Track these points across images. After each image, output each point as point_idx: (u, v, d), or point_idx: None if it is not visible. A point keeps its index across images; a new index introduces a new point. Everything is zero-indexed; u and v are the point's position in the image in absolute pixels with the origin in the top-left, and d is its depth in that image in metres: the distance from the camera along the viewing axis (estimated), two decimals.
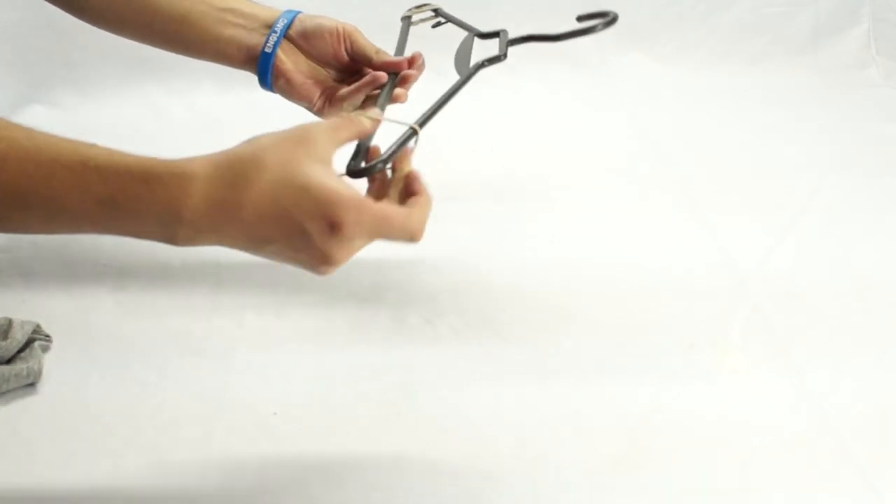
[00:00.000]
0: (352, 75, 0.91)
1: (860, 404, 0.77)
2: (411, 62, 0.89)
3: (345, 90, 0.89)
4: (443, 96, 0.73)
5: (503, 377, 0.80)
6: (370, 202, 0.61)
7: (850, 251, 1.02)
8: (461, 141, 1.27)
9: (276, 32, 0.89)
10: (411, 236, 0.63)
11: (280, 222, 0.59)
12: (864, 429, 0.74)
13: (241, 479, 0.68)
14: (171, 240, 0.61)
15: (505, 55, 0.83)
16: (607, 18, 0.81)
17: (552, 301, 0.91)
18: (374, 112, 0.69)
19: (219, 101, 1.30)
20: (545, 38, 0.84)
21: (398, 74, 0.87)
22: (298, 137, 0.61)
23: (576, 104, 1.50)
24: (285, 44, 0.89)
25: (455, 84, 0.77)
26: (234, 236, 0.61)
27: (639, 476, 0.69)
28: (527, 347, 0.84)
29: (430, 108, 0.71)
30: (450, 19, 0.97)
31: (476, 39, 0.89)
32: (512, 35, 0.87)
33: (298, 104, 0.91)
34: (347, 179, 0.63)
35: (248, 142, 0.62)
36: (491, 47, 0.86)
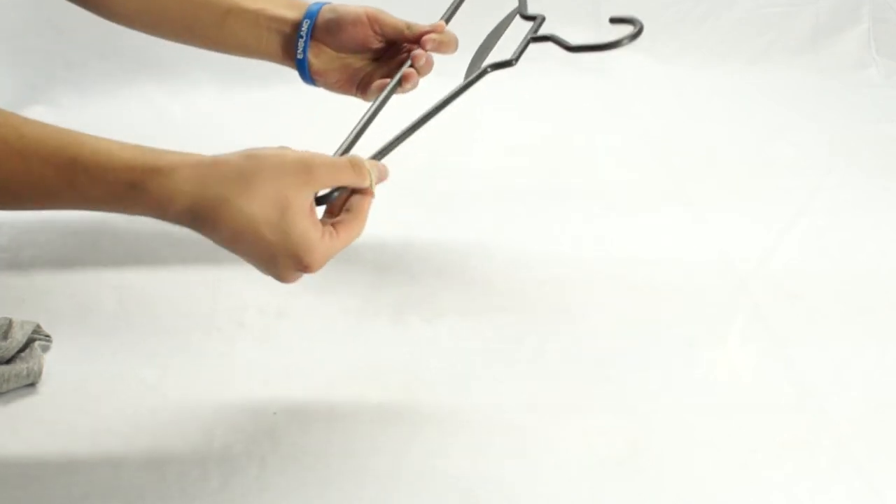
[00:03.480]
0: (387, 54, 0.91)
1: (860, 404, 0.77)
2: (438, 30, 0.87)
3: (378, 82, 0.88)
4: (440, 102, 0.75)
5: (503, 377, 0.80)
6: (332, 243, 0.65)
7: (850, 251, 1.02)
8: (461, 140, 1.27)
9: (302, 37, 0.88)
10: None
11: (255, 247, 0.64)
12: (865, 429, 0.74)
13: (242, 479, 0.68)
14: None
15: (517, 60, 0.82)
16: (635, 26, 0.81)
17: (552, 301, 0.91)
18: (379, 168, 0.69)
19: (219, 101, 1.30)
20: (565, 46, 0.83)
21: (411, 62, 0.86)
22: (298, 177, 0.64)
23: (576, 104, 1.50)
24: (313, 44, 0.88)
25: (453, 91, 0.77)
26: (209, 238, 0.65)
27: (639, 476, 0.69)
28: (527, 347, 0.84)
29: (409, 126, 0.73)
30: None
31: (518, 19, 0.88)
32: (545, 31, 0.85)
33: (343, 94, 0.91)
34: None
35: (248, 156, 0.64)
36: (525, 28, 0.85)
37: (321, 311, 0.88)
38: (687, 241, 1.04)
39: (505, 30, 0.87)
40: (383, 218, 1.04)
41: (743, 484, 0.69)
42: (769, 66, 1.61)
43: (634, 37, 0.80)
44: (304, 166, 0.64)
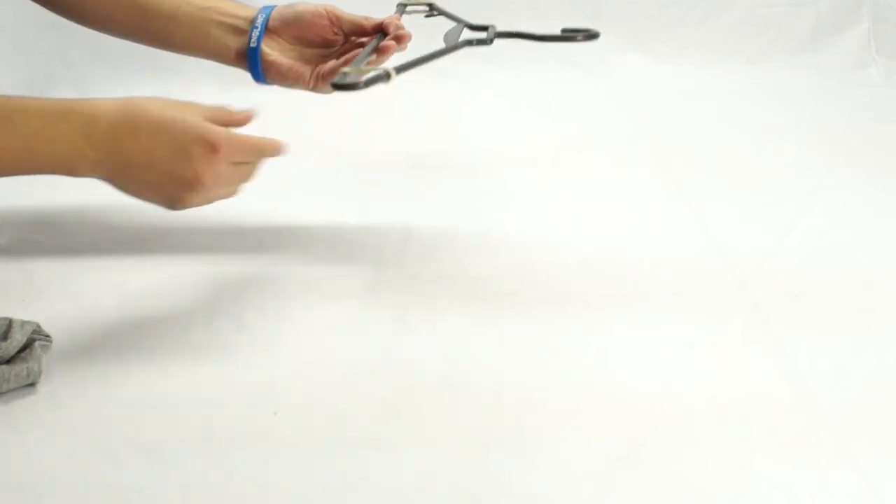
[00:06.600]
0: (342, 48, 0.95)
1: (860, 404, 0.77)
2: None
3: (332, 63, 0.93)
4: (425, 56, 0.79)
5: (503, 377, 0.80)
6: (238, 134, 0.79)
7: (850, 251, 1.02)
8: (461, 140, 1.27)
9: (257, 28, 0.92)
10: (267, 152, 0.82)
11: (168, 144, 0.76)
12: (865, 429, 0.74)
13: (241, 479, 0.68)
14: (75, 169, 0.78)
15: (492, 41, 0.88)
16: (589, 32, 0.89)
17: (552, 301, 0.91)
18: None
19: (219, 100, 1.29)
20: (531, 36, 0.90)
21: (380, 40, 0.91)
22: (182, 104, 0.80)
23: (576, 104, 1.50)
24: (268, 36, 0.93)
25: (439, 49, 0.82)
26: (126, 159, 0.77)
27: (639, 476, 0.69)
28: (527, 347, 0.84)
29: (410, 62, 0.77)
30: (443, 13, 0.99)
31: (466, 30, 0.93)
32: (500, 29, 0.91)
33: (294, 88, 0.95)
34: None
35: (169, 104, 0.80)
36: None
37: (321, 311, 0.88)
38: (687, 241, 1.04)
39: (459, 36, 0.91)
40: (383, 218, 1.04)
41: (743, 484, 0.69)
42: (769, 66, 1.61)
43: (590, 37, 0.89)
44: (184, 104, 0.80)
